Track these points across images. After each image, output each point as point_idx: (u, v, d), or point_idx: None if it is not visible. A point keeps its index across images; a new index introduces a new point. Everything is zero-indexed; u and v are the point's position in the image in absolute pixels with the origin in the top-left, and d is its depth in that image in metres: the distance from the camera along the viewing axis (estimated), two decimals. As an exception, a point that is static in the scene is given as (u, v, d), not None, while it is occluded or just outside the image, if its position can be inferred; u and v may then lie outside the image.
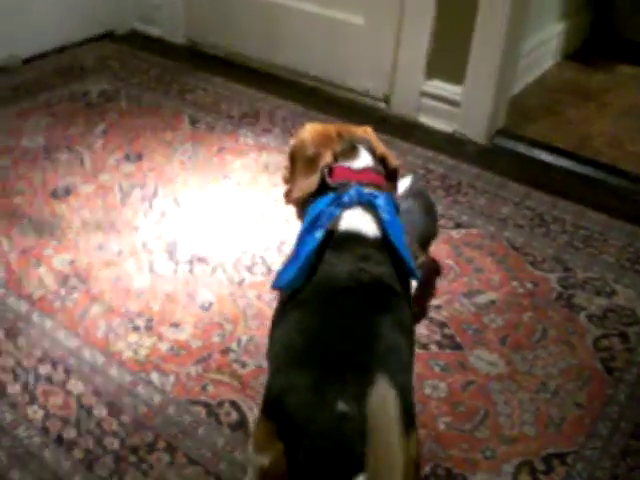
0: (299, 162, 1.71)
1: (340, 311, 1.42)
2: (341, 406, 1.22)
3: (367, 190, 1.60)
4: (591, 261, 2.50)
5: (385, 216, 1.57)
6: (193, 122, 3.17)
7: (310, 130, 1.74)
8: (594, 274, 2.43)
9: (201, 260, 2.38)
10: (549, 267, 2.45)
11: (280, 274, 1.56)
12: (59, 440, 1.77)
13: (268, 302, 2.21)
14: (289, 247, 2.42)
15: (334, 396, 1.24)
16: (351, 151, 1.70)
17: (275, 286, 1.57)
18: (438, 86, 3.20)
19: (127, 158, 2.88)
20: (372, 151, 1.72)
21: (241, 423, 1.84)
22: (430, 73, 3.19)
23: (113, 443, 1.77)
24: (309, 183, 1.65)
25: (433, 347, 2.10)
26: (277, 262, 2.37)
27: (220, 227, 2.54)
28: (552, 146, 3.15)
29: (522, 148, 3.15)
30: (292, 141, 1.80)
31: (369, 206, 1.58)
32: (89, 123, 3.11)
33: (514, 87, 3.43)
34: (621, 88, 3.81)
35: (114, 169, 2.81)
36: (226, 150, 2.99)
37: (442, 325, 2.18)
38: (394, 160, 1.76)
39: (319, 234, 1.52)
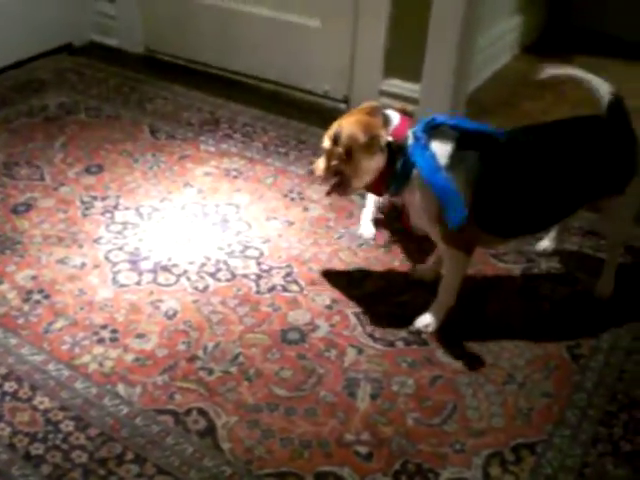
0: None
1: None
2: None
3: None
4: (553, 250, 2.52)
5: None
6: (153, 131, 3.16)
7: None
8: (557, 264, 2.45)
9: (164, 269, 2.36)
10: (512, 259, 2.46)
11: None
12: (27, 457, 1.75)
13: (233, 308, 2.21)
14: (253, 252, 2.43)
15: None
16: None
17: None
18: (396, 85, 3.22)
19: (87, 170, 2.86)
20: None
21: (209, 430, 1.83)
22: (388, 72, 3.22)
23: (81, 457, 1.75)
24: None
25: (400, 344, 2.11)
26: (241, 267, 2.37)
27: (183, 235, 2.53)
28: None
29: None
30: None
31: None
32: (48, 137, 3.08)
33: (472, 82, 3.45)
34: (578, 79, 3.83)
35: (74, 182, 2.78)
36: (187, 158, 2.98)
37: (408, 321, 2.18)
38: None
39: None
